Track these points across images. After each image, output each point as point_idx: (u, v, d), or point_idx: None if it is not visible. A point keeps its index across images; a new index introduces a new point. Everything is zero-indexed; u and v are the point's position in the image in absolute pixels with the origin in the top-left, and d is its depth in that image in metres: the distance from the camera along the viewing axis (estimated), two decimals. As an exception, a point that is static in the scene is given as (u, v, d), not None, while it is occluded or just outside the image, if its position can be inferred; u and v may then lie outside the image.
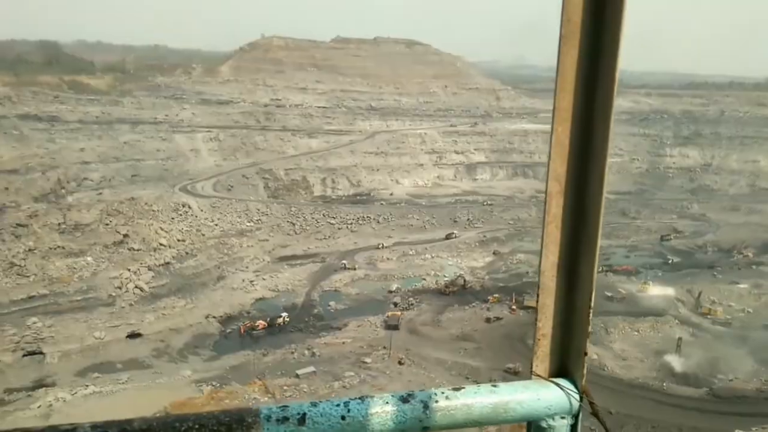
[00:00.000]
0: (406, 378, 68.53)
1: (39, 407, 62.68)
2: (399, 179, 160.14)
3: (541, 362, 2.33)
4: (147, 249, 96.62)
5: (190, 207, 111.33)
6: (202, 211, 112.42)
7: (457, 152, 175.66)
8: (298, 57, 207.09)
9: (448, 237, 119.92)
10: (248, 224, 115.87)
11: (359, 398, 1.99)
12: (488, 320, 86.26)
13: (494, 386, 2.17)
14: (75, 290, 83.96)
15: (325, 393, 64.57)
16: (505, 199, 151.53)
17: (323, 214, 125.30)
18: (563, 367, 2.32)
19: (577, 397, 2.20)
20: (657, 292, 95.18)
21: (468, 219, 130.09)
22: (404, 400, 2.01)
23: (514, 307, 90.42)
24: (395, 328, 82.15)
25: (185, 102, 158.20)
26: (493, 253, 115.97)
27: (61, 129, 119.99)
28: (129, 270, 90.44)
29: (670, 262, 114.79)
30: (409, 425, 1.98)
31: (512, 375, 68.83)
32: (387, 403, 1.98)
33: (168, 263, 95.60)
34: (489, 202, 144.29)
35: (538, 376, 2.31)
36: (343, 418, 1.90)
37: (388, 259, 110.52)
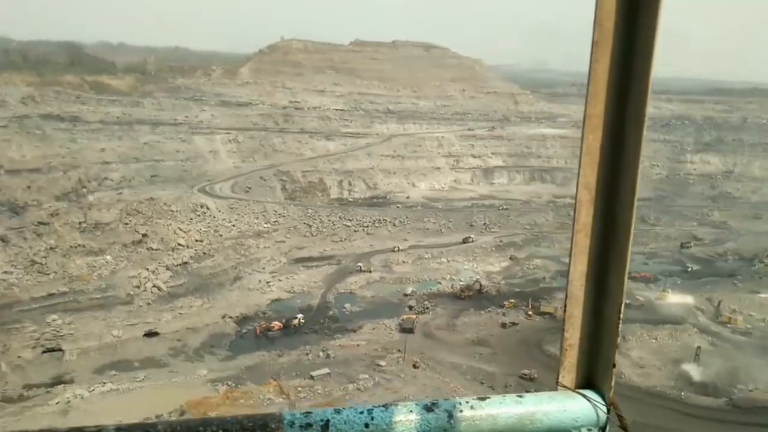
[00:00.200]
0: (421, 381, 68.38)
1: (57, 403, 63.55)
2: (415, 182, 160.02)
3: (568, 373, 2.28)
4: (165, 249, 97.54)
5: (208, 208, 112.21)
6: (219, 211, 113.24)
7: (474, 156, 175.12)
8: (316, 60, 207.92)
9: (465, 241, 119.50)
10: (265, 225, 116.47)
11: (383, 406, 1.97)
12: (504, 325, 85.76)
13: (520, 397, 2.13)
14: (94, 288, 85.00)
15: (340, 395, 64.63)
16: (522, 203, 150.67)
17: (339, 217, 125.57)
18: (590, 379, 2.27)
19: (605, 409, 2.15)
20: (676, 299, 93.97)
21: (484, 223, 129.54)
22: (428, 408, 1.99)
23: (530, 312, 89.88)
24: (410, 331, 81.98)
25: (205, 104, 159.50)
26: (510, 258, 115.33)
27: (83, 129, 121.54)
28: (147, 269, 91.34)
29: (689, 269, 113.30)
30: None
31: (528, 381, 68.36)
32: (411, 411, 1.96)
33: (186, 263, 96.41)
34: (506, 207, 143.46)
35: (565, 387, 2.27)
36: (366, 425, 1.88)
37: (403, 262, 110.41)
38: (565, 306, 2.27)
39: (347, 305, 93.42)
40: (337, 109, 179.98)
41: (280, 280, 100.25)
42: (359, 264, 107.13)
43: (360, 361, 73.82)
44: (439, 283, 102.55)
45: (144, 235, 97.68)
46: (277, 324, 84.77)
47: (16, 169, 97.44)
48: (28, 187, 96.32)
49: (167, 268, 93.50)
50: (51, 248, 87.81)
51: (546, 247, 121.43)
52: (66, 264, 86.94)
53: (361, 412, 1.92)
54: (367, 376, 69.10)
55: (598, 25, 2.04)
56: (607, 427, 2.16)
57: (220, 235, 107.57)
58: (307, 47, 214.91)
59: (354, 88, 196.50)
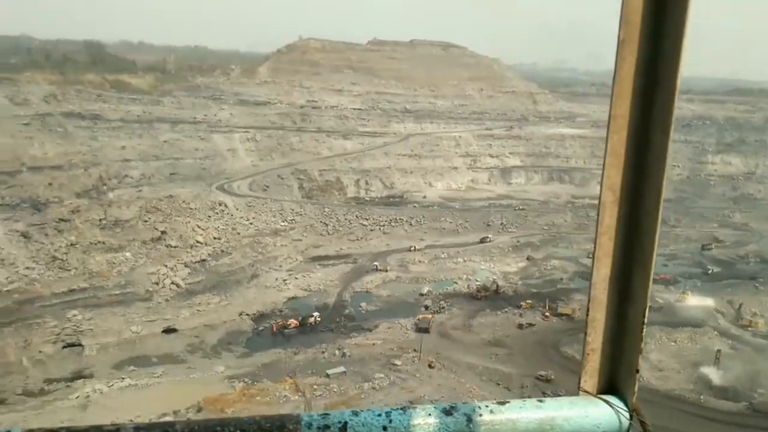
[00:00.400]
0: (436, 381, 68.29)
1: (77, 398, 64.45)
2: (432, 182, 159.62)
3: (590, 378, 2.24)
4: (184, 246, 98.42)
5: (226, 206, 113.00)
6: (237, 209, 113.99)
7: (491, 156, 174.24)
8: (334, 59, 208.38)
9: (482, 241, 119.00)
10: (282, 224, 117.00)
11: (401, 408, 1.96)
12: (520, 326, 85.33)
13: (540, 401, 2.10)
14: (114, 285, 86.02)
15: (355, 393, 64.78)
16: (540, 204, 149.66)
17: (356, 216, 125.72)
18: (613, 384, 2.23)
19: (627, 415, 2.11)
20: (696, 302, 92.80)
21: (501, 223, 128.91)
22: (447, 412, 1.97)
23: (547, 313, 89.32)
24: (426, 331, 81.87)
25: (223, 102, 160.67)
26: (527, 259, 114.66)
27: (104, 127, 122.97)
28: (166, 266, 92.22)
29: (710, 272, 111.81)
30: None
31: (544, 382, 67.98)
32: (429, 414, 1.94)
33: (204, 260, 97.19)
34: (523, 207, 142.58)
35: (586, 392, 2.23)
36: (384, 428, 1.87)
37: (419, 261, 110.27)
38: (588, 309, 2.23)
39: (363, 304, 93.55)
40: (354, 109, 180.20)
41: (296, 279, 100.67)
42: (375, 263, 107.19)
43: (375, 360, 73.91)
44: (456, 283, 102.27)
45: (163, 233, 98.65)
46: (293, 322, 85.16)
47: (38, 167, 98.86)
48: (50, 184, 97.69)
49: (186, 265, 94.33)
50: (72, 245, 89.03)
51: (564, 248, 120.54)
52: (86, 260, 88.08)
53: (379, 415, 1.91)
54: (382, 375, 69.17)
55: (624, 22, 2.00)
56: None
57: (238, 233, 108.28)
58: (325, 46, 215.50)
59: (371, 88, 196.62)
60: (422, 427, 1.91)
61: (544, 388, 66.80)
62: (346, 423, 1.84)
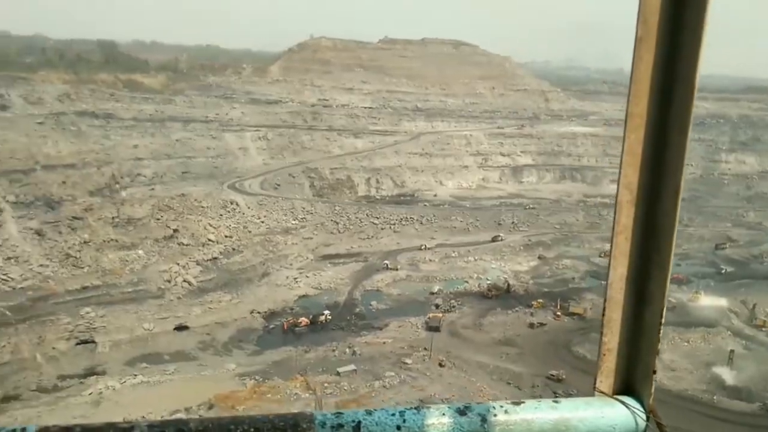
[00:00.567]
0: (447, 380, 68.23)
1: (90, 394, 65.01)
2: (443, 181, 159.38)
3: (606, 378, 2.23)
4: (196, 244, 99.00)
5: (237, 204, 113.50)
6: (249, 208, 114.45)
7: (503, 154, 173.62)
8: (345, 58, 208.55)
9: (494, 239, 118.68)
10: (293, 222, 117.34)
11: (415, 408, 1.95)
12: (531, 326, 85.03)
13: (555, 402, 2.08)
14: (126, 282, 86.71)
15: (366, 392, 64.87)
16: (552, 202, 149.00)
17: (367, 214, 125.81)
18: (629, 385, 2.21)
19: (644, 416, 2.09)
20: (709, 302, 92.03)
21: (513, 222, 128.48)
22: (461, 412, 1.97)
23: (558, 313, 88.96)
24: (436, 329, 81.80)
25: (235, 101, 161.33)
26: (538, 258, 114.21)
27: (117, 126, 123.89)
28: (178, 264, 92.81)
29: (723, 271, 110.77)
30: None
31: (555, 382, 67.74)
32: (444, 414, 1.94)
33: (215, 258, 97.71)
34: (533, 206, 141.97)
35: (602, 393, 2.21)
36: (398, 428, 1.87)
37: (430, 260, 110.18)
38: (604, 310, 2.22)
39: (374, 303, 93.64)
40: (365, 107, 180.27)
41: (307, 277, 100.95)
42: (386, 262, 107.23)
43: (386, 358, 73.95)
44: (466, 282, 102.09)
45: (175, 231, 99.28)
46: (304, 320, 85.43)
47: (51, 165, 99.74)
48: (63, 182, 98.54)
49: (197, 263, 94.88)
50: (85, 242, 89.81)
51: (576, 247, 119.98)
52: (99, 258, 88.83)
53: (393, 414, 1.90)
54: (393, 373, 69.19)
55: (642, 20, 1.98)
56: None
57: (249, 231, 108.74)
58: (336, 45, 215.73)
59: (382, 86, 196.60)
60: (436, 426, 1.91)
61: (555, 387, 66.57)
62: (359, 422, 1.84)
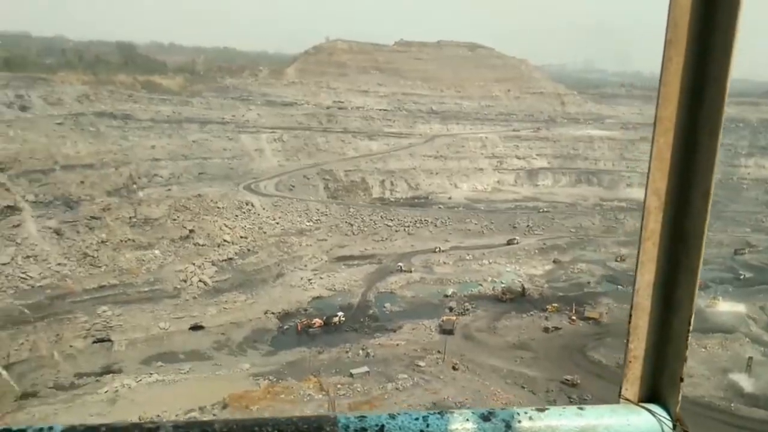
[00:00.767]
0: (460, 384, 67.93)
1: (106, 392, 65.63)
2: (458, 183, 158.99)
3: (631, 386, 2.20)
4: (211, 244, 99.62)
5: (253, 205, 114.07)
6: (264, 209, 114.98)
7: (518, 157, 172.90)
8: (361, 60, 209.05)
9: (509, 243, 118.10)
10: (308, 224, 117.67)
11: (438, 412, 1.94)
12: (546, 330, 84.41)
13: (580, 408, 2.06)
14: (143, 282, 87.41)
15: (379, 394, 64.82)
16: (567, 206, 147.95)
17: (381, 216, 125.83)
18: (655, 392, 2.18)
19: (671, 424, 2.06)
20: (727, 308, 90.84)
21: (528, 225, 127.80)
22: (485, 418, 1.95)
23: (573, 317, 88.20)
24: (450, 332, 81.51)
25: (251, 103, 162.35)
26: (553, 262, 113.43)
27: (134, 127, 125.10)
28: (194, 264, 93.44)
29: (742, 277, 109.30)
30: None
31: (570, 387, 67.17)
32: (467, 420, 1.93)
33: (231, 259, 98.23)
34: (548, 209, 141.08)
35: (627, 400, 2.19)
36: None
37: (444, 263, 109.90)
38: (630, 316, 2.19)
39: (387, 305, 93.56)
40: (380, 109, 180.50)
41: (321, 278, 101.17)
42: (400, 264, 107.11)
43: (399, 360, 73.83)
44: (480, 285, 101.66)
45: (191, 231, 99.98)
46: (317, 321, 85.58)
47: (70, 165, 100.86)
48: (82, 182, 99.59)
49: (213, 264, 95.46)
50: (102, 242, 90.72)
51: (591, 251, 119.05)
52: (116, 257, 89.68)
53: (417, 419, 1.89)
54: (406, 376, 69.06)
55: (672, 22, 1.94)
56: None
57: (264, 232, 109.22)
58: (352, 48, 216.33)
59: (398, 89, 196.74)
60: None
61: (570, 392, 66.02)
62: (383, 426, 1.83)
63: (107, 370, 72.23)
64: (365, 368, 70.33)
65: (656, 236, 2.11)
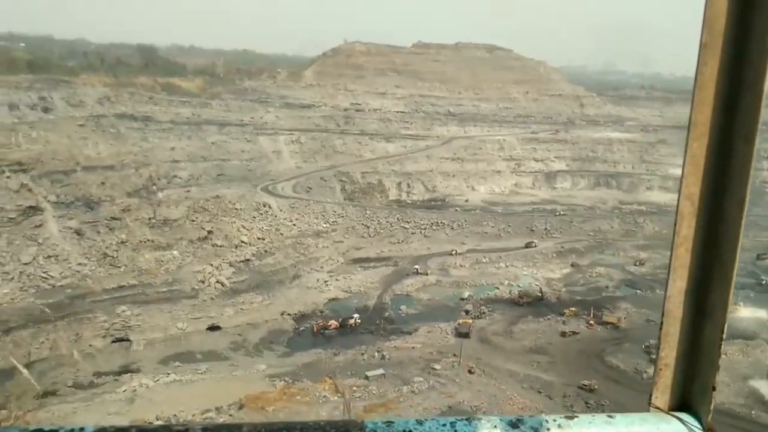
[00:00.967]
0: (476, 387, 67.59)
1: (124, 391, 66.28)
2: (475, 186, 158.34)
3: (662, 394, 2.15)
4: (229, 246, 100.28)
5: (270, 207, 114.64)
6: (281, 211, 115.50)
7: (536, 160, 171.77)
8: (378, 62, 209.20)
9: (527, 246, 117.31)
10: (324, 225, 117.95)
11: (466, 418, 1.93)
12: (563, 334, 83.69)
13: (610, 417, 2.03)
14: (161, 282, 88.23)
15: (394, 396, 64.70)
16: (586, 209, 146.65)
17: (397, 218, 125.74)
18: (686, 401, 2.13)
19: None
20: (748, 314, 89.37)
21: (545, 228, 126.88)
22: (513, 425, 1.95)
23: (591, 321, 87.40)
24: (466, 336, 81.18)
25: (270, 105, 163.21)
26: (571, 265, 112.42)
27: (154, 128, 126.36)
28: (212, 265, 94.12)
29: (764, 282, 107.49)
30: None
31: (588, 392, 66.54)
32: (495, 426, 1.92)
33: (248, 260, 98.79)
34: (565, 213, 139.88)
35: (658, 408, 2.14)
36: None
37: (461, 265, 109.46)
38: (662, 324, 2.14)
39: (403, 307, 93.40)
40: (397, 111, 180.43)
41: (337, 280, 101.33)
42: (416, 266, 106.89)
43: (415, 363, 73.66)
44: (497, 288, 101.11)
45: (209, 232, 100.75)
46: (333, 323, 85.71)
47: (91, 166, 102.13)
48: (102, 183, 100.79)
49: (230, 265, 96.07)
50: (122, 242, 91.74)
51: (610, 255, 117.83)
52: (136, 258, 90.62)
53: (444, 425, 1.88)
54: (421, 379, 68.87)
55: (707, 25, 1.91)
56: None
57: (281, 234, 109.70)
58: (370, 50, 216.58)
59: (415, 90, 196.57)
60: None
61: (587, 398, 65.41)
62: (410, 431, 1.84)
63: (125, 370, 72.99)
64: (381, 371, 70.26)
65: (689, 242, 2.09)
